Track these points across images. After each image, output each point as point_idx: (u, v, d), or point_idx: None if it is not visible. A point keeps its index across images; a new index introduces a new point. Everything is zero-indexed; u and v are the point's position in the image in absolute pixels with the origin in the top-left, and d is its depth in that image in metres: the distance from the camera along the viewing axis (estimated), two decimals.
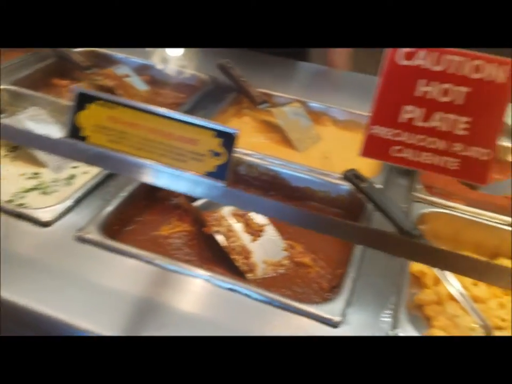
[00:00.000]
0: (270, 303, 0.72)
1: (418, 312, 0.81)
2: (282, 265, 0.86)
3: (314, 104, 1.32)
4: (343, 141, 1.25)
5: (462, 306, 0.76)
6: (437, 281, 0.83)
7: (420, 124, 0.43)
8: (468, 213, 0.94)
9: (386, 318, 0.71)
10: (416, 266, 0.87)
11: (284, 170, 1.04)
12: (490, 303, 0.80)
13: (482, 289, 0.82)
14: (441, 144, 0.42)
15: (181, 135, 0.47)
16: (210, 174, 0.47)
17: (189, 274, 0.75)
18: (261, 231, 0.88)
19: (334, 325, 0.69)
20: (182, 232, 0.90)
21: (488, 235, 0.92)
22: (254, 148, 1.16)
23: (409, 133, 0.43)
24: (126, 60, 1.42)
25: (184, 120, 0.48)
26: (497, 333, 0.77)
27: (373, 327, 0.69)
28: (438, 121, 0.42)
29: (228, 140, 0.46)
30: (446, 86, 0.41)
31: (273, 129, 1.25)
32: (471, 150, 0.42)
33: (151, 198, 0.95)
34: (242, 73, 1.31)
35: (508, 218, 0.92)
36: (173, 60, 1.42)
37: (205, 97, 1.28)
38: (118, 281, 0.74)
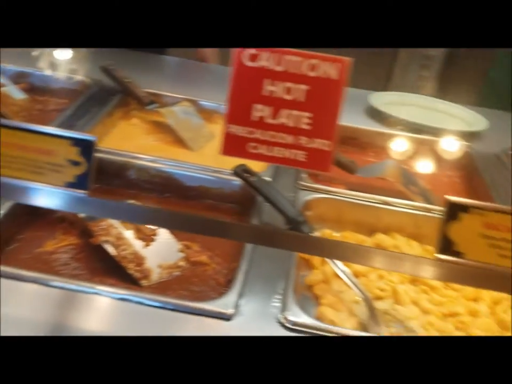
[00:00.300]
0: (164, 307, 0.72)
1: (308, 293, 0.86)
2: (179, 267, 0.87)
3: (204, 103, 1.33)
4: None
5: (346, 282, 0.83)
6: (324, 262, 0.89)
7: (270, 121, 0.46)
8: (347, 196, 1.02)
9: (276, 303, 0.75)
10: None
11: (176, 171, 1.04)
12: (371, 276, 0.88)
13: None
14: (289, 139, 0.46)
15: (36, 147, 0.45)
16: (70, 185, 0.45)
17: (76, 290, 0.72)
18: (153, 235, 0.87)
19: (228, 318, 0.71)
20: (68, 246, 0.86)
21: (366, 214, 1.00)
22: (145, 150, 1.14)
23: (262, 130, 0.46)
24: (1, 68, 1.31)
25: (38, 130, 0.46)
26: (379, 303, 0.85)
27: (264, 314, 0.73)
28: (284, 118, 0.46)
29: (86, 147, 0.45)
30: (288, 84, 0.45)
31: (165, 129, 1.24)
32: (315, 142, 0.46)
33: (33, 213, 0.89)
34: (128, 75, 1.28)
35: (382, 197, 1.02)
36: (57, 65, 1.34)
37: (89, 101, 1.23)
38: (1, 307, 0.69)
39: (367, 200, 1.02)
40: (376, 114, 1.45)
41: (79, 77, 1.31)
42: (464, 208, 0.42)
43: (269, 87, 0.45)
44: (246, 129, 0.46)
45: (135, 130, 1.23)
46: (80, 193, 0.45)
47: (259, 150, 0.46)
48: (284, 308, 0.73)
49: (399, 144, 1.31)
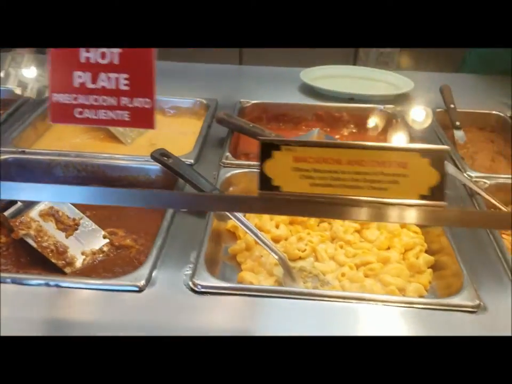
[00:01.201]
0: (79, 287, 0.75)
1: (233, 262, 0.89)
2: (103, 252, 0.90)
3: None
4: (168, 126, 1.32)
5: (263, 247, 0.85)
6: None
7: (91, 86, 0.49)
8: None
9: (187, 271, 0.78)
10: (231, 223, 0.95)
11: (102, 163, 1.07)
12: (291, 239, 0.91)
13: (282, 229, 0.93)
14: (111, 101, 0.49)
15: None
16: None
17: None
18: (76, 224, 0.91)
19: (140, 289, 0.74)
20: None
21: None
22: (80, 148, 1.17)
23: (84, 95, 0.49)
24: None
25: None
26: (299, 262, 0.88)
27: (176, 282, 0.76)
28: (104, 81, 0.49)
29: None
30: (103, 49, 0.48)
31: (98, 127, 1.27)
32: (135, 102, 0.49)
33: None
34: None
35: None
36: None
37: (20, 109, 1.26)
38: None
39: None
40: (308, 90, 1.48)
41: (11, 87, 1.35)
42: (275, 146, 0.45)
43: (85, 54, 0.48)
44: (69, 96, 0.49)
45: (69, 131, 1.26)
46: None
47: (85, 114, 0.49)
48: (193, 274, 0.76)
49: (329, 115, 1.33)
